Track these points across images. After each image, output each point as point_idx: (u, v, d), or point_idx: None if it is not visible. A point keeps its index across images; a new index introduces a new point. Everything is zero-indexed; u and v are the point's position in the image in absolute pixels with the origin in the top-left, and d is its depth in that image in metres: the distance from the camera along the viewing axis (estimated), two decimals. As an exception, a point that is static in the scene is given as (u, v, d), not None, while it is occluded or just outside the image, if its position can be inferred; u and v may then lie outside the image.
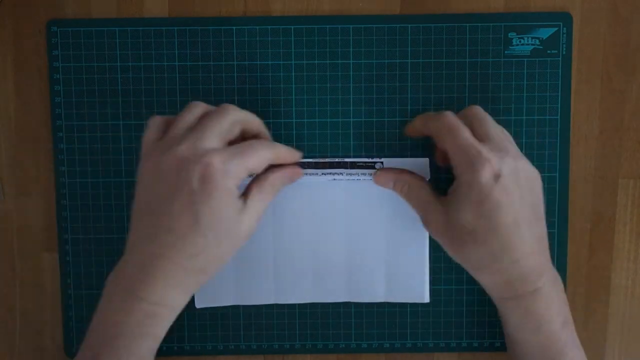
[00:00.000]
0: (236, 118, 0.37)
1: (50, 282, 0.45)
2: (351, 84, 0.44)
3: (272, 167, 0.38)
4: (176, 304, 0.36)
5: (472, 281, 0.41)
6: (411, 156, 0.44)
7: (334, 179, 0.42)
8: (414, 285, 0.44)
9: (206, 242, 0.34)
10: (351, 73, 0.44)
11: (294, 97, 0.44)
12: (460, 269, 0.41)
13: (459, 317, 0.45)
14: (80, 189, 0.44)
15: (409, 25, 0.43)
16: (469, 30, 0.43)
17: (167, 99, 0.44)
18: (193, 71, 0.44)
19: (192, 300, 0.45)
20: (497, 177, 0.35)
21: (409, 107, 0.44)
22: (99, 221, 0.45)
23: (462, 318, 0.45)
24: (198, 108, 0.37)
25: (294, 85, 0.44)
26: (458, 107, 0.44)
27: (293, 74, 0.44)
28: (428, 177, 0.42)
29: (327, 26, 0.44)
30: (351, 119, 0.44)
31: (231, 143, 0.37)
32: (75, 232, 0.45)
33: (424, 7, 0.44)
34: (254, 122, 0.38)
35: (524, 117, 0.44)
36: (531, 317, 0.37)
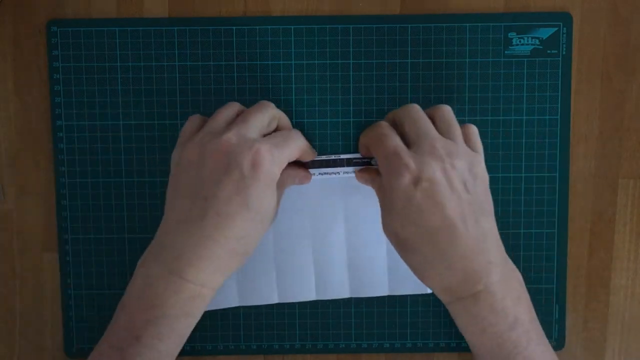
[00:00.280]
0: (274, 114, 0.39)
1: (50, 282, 0.45)
2: (351, 84, 0.44)
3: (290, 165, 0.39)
4: (217, 285, 0.37)
5: (472, 281, 0.41)
6: None
7: (331, 177, 0.42)
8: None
9: (253, 225, 0.36)
10: (351, 73, 0.44)
11: (294, 97, 0.44)
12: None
13: (459, 317, 0.45)
14: (80, 189, 0.44)
15: (409, 25, 0.43)
16: (469, 30, 0.43)
17: (167, 99, 0.44)
18: (193, 71, 0.44)
19: (192, 300, 0.45)
20: (417, 181, 0.35)
21: (409, 107, 0.44)
22: (99, 221, 0.45)
23: (462, 318, 0.45)
24: (235, 106, 0.40)
25: (294, 85, 0.44)
26: (458, 107, 0.44)
27: (293, 74, 0.44)
28: None
29: (327, 26, 0.44)
30: (351, 119, 0.44)
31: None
32: (75, 232, 0.45)
33: (424, 7, 0.44)
34: (285, 119, 0.41)
35: (524, 117, 0.44)
36: (475, 319, 0.36)
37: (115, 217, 0.44)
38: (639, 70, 0.44)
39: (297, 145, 0.38)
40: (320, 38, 0.44)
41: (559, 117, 0.44)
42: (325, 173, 0.42)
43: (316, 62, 0.44)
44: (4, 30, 0.44)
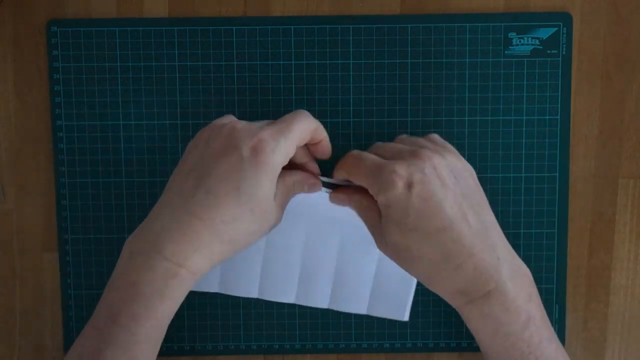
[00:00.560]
0: (315, 126, 0.37)
1: (50, 282, 0.45)
2: (351, 84, 0.44)
3: (296, 170, 0.39)
4: (197, 270, 0.35)
5: (472, 281, 0.41)
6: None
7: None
8: (397, 303, 0.44)
9: (242, 212, 0.34)
10: (351, 73, 0.44)
11: (294, 97, 0.44)
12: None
13: (459, 317, 0.45)
14: (80, 189, 0.44)
15: (409, 25, 0.43)
16: (469, 30, 0.43)
17: (167, 99, 0.44)
18: (193, 71, 0.44)
19: (193, 300, 0.45)
20: (409, 185, 0.34)
21: (409, 107, 0.44)
22: (99, 221, 0.45)
23: (462, 318, 0.45)
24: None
25: (294, 85, 0.44)
26: (458, 107, 0.44)
27: (293, 74, 0.44)
28: None
29: (327, 26, 0.44)
30: (351, 119, 0.44)
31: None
32: (75, 232, 0.45)
33: (424, 7, 0.44)
34: (321, 132, 0.39)
35: (524, 117, 0.44)
36: (488, 320, 0.35)
37: (115, 217, 0.44)
38: (639, 70, 0.44)
39: (303, 128, 0.36)
40: (320, 38, 0.44)
41: (559, 117, 0.44)
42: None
43: (316, 62, 0.44)
44: (4, 30, 0.44)
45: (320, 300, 0.44)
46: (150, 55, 0.44)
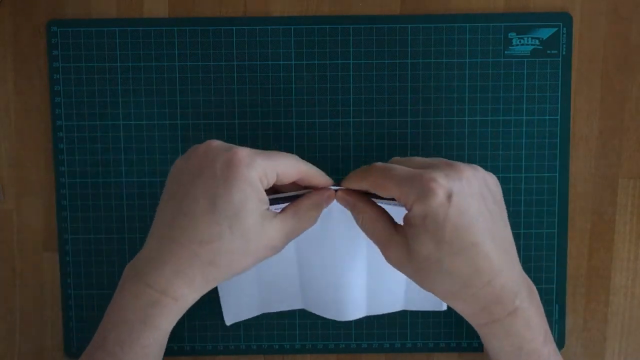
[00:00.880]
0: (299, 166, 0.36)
1: (50, 282, 0.45)
2: (351, 84, 0.44)
3: (308, 194, 0.37)
4: (180, 296, 0.34)
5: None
6: (411, 155, 0.43)
7: None
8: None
9: (220, 230, 0.33)
10: (351, 73, 0.44)
11: (294, 97, 0.44)
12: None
13: (459, 317, 0.45)
14: (80, 189, 0.44)
15: (409, 26, 0.43)
16: (469, 30, 0.43)
17: (167, 99, 0.44)
18: (193, 71, 0.44)
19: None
20: (449, 196, 0.32)
21: (409, 107, 0.44)
22: (99, 221, 0.45)
23: (463, 318, 0.45)
24: None
25: (294, 85, 0.44)
26: (458, 107, 0.44)
27: (293, 74, 0.44)
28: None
29: (327, 26, 0.44)
30: (351, 119, 0.44)
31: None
32: (75, 232, 0.45)
33: (424, 7, 0.44)
34: (313, 174, 0.37)
35: (524, 117, 0.44)
36: (512, 339, 0.35)
37: (115, 217, 0.44)
38: (639, 70, 0.44)
39: (286, 159, 0.35)
40: (320, 38, 0.44)
41: (559, 117, 0.44)
42: None
43: (316, 62, 0.44)
44: (4, 30, 0.44)
45: (358, 312, 0.43)
46: (150, 55, 0.44)
